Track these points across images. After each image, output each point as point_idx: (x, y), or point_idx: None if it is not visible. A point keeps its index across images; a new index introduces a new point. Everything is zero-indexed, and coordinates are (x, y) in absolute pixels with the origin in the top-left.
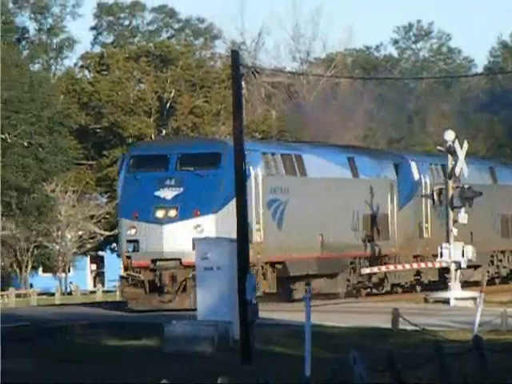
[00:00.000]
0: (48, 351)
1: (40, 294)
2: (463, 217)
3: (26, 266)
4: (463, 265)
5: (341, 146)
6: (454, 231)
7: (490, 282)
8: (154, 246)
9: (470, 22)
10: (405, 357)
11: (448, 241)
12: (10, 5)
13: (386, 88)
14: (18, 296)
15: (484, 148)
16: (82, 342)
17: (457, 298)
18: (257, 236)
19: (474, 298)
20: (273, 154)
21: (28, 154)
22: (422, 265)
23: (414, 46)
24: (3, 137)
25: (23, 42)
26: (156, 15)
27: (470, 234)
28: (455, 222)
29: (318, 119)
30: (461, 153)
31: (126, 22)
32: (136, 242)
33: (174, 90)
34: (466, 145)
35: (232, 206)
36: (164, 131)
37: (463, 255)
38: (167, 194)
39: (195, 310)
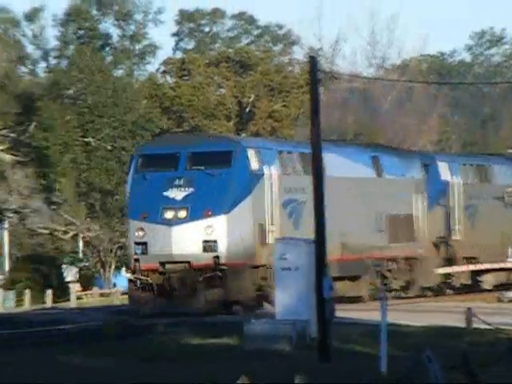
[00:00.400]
0: (132, 349)
1: (123, 293)
2: None
3: (110, 266)
4: None
5: (365, 145)
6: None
7: None
8: (162, 248)
9: None
10: (479, 355)
11: None
12: (94, 12)
13: (459, 93)
14: (101, 295)
15: None
16: (165, 341)
17: None
18: (270, 237)
19: None
20: (289, 153)
21: (111, 157)
22: (502, 264)
23: (487, 52)
24: (88, 140)
25: (107, 49)
26: (236, 22)
27: None
28: None
29: (393, 123)
30: None
31: (207, 29)
32: (144, 244)
33: (253, 95)
34: None
35: (244, 206)
36: (243, 135)
37: None
38: (177, 194)
39: (205, 314)
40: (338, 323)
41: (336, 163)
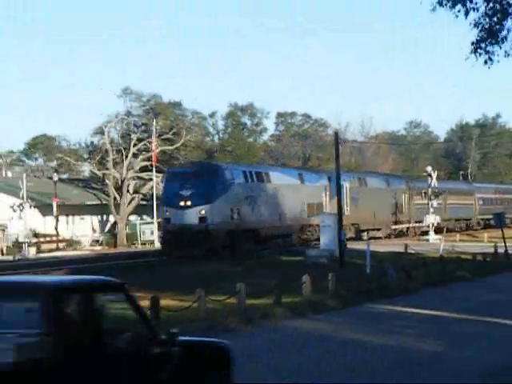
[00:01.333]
0: (251, 262)
1: None
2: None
3: None
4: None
5: (295, 168)
6: None
7: None
8: (178, 220)
9: None
10: (410, 264)
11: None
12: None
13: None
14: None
15: None
16: (269, 258)
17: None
18: (235, 214)
19: (440, 239)
20: (249, 171)
21: None
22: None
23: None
24: None
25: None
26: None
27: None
28: None
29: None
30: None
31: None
32: (169, 218)
33: None
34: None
35: (220, 200)
36: None
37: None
38: (186, 192)
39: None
40: (348, 250)
41: (278, 177)
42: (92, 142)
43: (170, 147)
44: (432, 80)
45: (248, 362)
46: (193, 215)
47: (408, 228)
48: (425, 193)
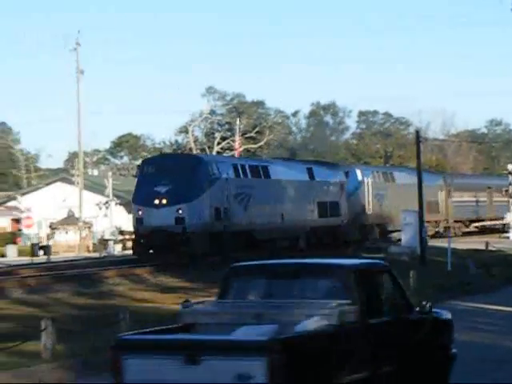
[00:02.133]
0: None
1: None
2: None
3: None
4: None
5: (304, 160)
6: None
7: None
8: (151, 221)
9: None
10: (490, 260)
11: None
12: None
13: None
14: None
15: None
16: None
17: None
18: (223, 215)
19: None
20: (241, 165)
21: None
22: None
23: None
24: None
25: None
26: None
27: None
28: None
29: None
30: None
31: None
32: (141, 219)
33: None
34: None
35: (199, 198)
36: None
37: None
38: (162, 188)
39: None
40: (428, 247)
41: (280, 171)
42: (176, 141)
43: (254, 145)
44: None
45: None
46: (169, 215)
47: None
48: (506, 190)
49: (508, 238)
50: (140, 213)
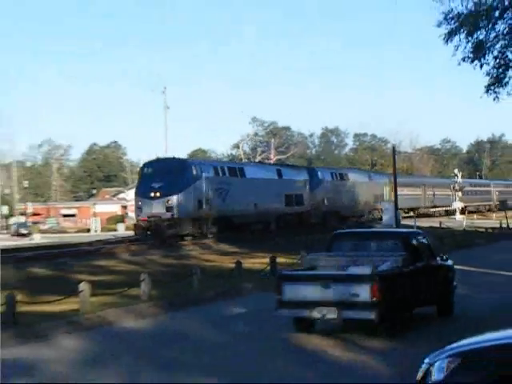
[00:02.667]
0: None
1: None
2: None
3: None
4: None
5: (273, 164)
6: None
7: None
8: (148, 209)
9: None
10: (443, 233)
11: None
12: None
13: None
14: None
15: None
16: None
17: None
18: (204, 205)
19: (463, 218)
20: (221, 167)
21: None
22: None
23: None
24: None
25: None
26: None
27: None
28: None
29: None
30: None
31: None
32: (141, 207)
33: None
34: None
35: (184, 191)
36: None
37: None
38: (156, 184)
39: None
40: (401, 225)
41: (253, 172)
42: (231, 154)
43: (283, 156)
44: (458, 108)
45: None
46: (161, 205)
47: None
48: (453, 187)
49: (455, 218)
50: (140, 203)
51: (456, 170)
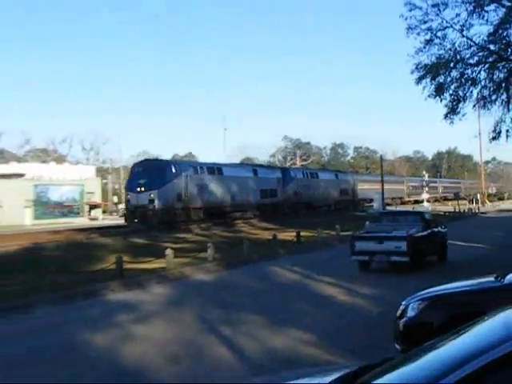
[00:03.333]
0: (338, 217)
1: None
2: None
3: None
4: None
5: (250, 165)
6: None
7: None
8: (135, 201)
9: None
10: None
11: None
12: None
13: None
14: None
15: None
16: (348, 214)
17: (425, 205)
18: (184, 198)
19: (429, 205)
20: (200, 166)
21: None
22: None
23: None
24: None
25: None
26: None
27: None
28: None
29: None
30: None
31: None
32: (129, 200)
33: None
34: None
35: (164, 187)
36: None
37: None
38: (142, 181)
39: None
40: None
41: (230, 171)
42: (269, 161)
43: (305, 163)
44: (425, 128)
45: (344, 255)
46: (145, 198)
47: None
48: (421, 185)
49: (423, 205)
50: (128, 196)
51: (424, 172)
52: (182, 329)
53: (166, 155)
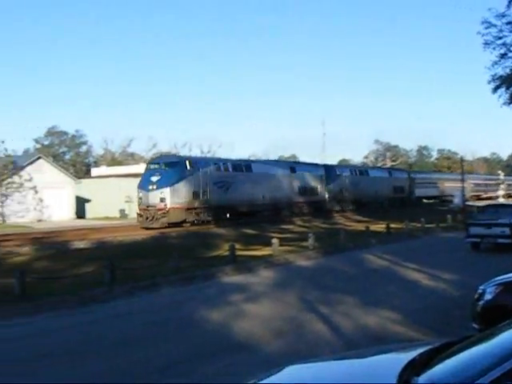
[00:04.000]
0: (422, 210)
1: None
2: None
3: None
4: None
5: (288, 162)
6: None
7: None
8: (146, 200)
9: None
10: None
11: None
12: None
13: None
14: None
15: None
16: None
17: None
18: (201, 196)
19: None
20: (223, 162)
21: None
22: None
23: None
24: None
25: None
26: None
27: None
28: None
29: None
30: None
31: None
32: (141, 198)
33: None
34: None
35: (177, 185)
36: None
37: None
38: (154, 178)
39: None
40: (466, 205)
41: (260, 167)
42: (364, 163)
43: (394, 163)
44: (500, 132)
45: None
46: (156, 196)
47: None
48: (498, 182)
49: (498, 200)
50: (140, 195)
51: (500, 171)
52: (285, 307)
53: (273, 157)
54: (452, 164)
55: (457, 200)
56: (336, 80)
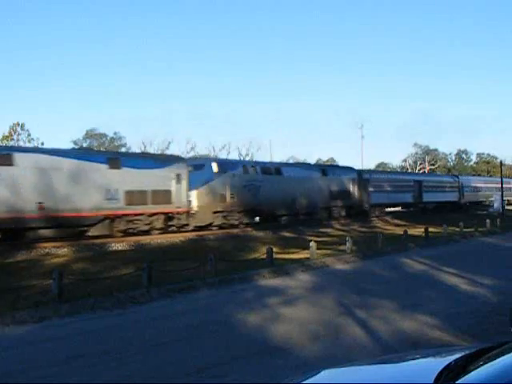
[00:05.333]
0: (461, 216)
1: None
2: None
3: None
4: None
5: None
6: None
7: None
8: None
9: None
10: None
11: None
12: None
13: None
14: None
15: None
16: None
17: None
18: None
19: None
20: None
21: None
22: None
23: None
24: None
25: None
26: None
27: None
28: None
29: None
30: None
31: None
32: None
33: None
34: None
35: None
36: None
37: None
38: None
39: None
40: (506, 210)
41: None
42: (402, 166)
43: (432, 167)
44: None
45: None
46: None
47: None
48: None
49: None
50: None
51: None
52: (322, 311)
53: (311, 160)
54: (492, 168)
55: (496, 204)
56: (374, 82)
